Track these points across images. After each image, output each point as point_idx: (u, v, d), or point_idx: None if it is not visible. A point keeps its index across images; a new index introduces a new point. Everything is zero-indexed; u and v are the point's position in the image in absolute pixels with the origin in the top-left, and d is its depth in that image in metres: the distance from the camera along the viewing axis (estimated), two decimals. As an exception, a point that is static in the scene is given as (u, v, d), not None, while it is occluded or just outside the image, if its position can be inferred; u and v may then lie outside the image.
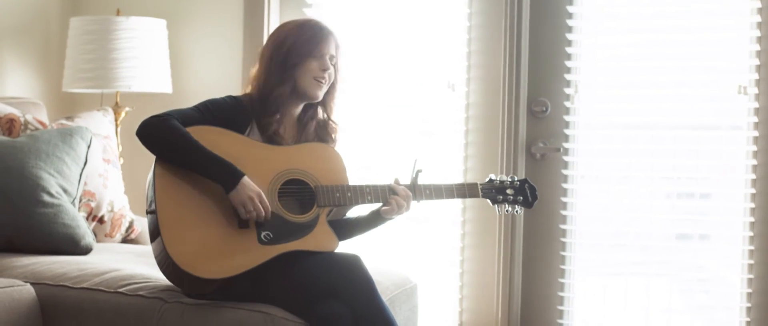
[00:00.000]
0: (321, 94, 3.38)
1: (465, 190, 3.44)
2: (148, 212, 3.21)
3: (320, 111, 3.46)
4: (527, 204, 3.48)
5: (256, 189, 3.14)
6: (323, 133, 3.46)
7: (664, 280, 4.34)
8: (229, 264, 3.10)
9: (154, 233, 3.14)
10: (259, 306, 3.11)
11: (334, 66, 3.39)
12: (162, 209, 3.12)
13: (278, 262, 3.13)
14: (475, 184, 3.45)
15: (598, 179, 4.34)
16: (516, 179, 3.48)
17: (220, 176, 3.14)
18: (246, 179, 3.14)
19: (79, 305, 3.30)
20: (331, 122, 3.46)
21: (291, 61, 3.31)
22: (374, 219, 3.40)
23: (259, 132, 3.34)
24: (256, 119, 3.34)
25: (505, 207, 3.47)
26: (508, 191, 3.46)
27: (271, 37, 3.41)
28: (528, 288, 4.40)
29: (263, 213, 3.14)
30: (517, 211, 3.48)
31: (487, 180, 3.47)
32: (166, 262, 3.13)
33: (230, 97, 3.37)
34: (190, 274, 3.07)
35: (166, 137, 3.15)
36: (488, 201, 3.47)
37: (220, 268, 3.10)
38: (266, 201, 3.15)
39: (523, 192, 3.48)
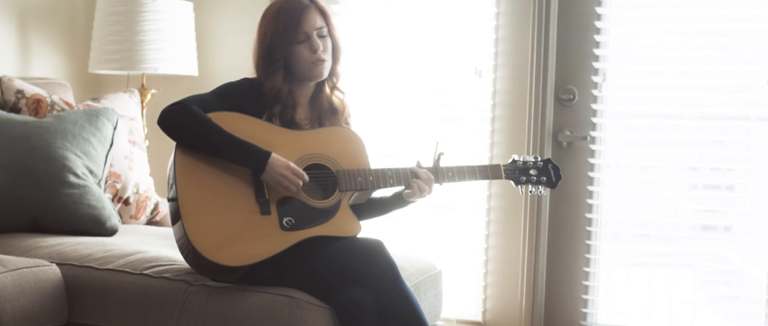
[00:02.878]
0: (326, 72, 3.35)
1: (488, 172, 3.41)
2: (169, 200, 3.20)
3: (327, 87, 3.43)
4: (551, 184, 3.46)
5: (284, 163, 3.13)
6: (334, 108, 3.43)
7: (688, 271, 4.32)
8: (252, 252, 3.09)
9: (176, 221, 3.14)
10: (285, 290, 3.11)
11: (329, 35, 3.34)
12: (183, 197, 3.11)
13: (301, 248, 3.13)
14: (498, 166, 3.42)
15: (624, 168, 4.32)
16: (539, 159, 3.46)
17: (247, 159, 3.13)
18: (273, 156, 3.13)
19: (105, 286, 3.31)
20: (337, 90, 3.43)
21: (277, 55, 3.29)
22: (396, 202, 3.38)
23: (274, 115, 3.32)
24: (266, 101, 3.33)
25: (528, 188, 3.44)
26: (532, 172, 3.44)
27: (257, 31, 3.36)
28: (552, 276, 4.39)
29: (300, 183, 3.14)
30: (541, 192, 3.46)
31: (510, 161, 3.45)
32: (188, 251, 3.13)
33: (247, 80, 3.36)
34: (213, 262, 3.07)
35: (189, 124, 3.14)
36: (511, 182, 3.44)
37: (242, 256, 3.09)
38: (299, 169, 3.15)
39: (547, 172, 3.45)
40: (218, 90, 3.31)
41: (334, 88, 3.42)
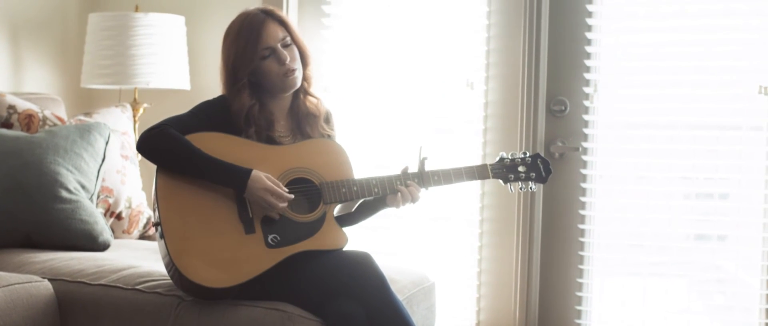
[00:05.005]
0: (299, 81, 3.33)
1: (474, 172, 3.37)
2: (153, 224, 3.20)
3: (301, 94, 3.40)
4: (541, 179, 3.42)
5: (264, 183, 3.12)
6: (311, 113, 3.40)
7: (682, 281, 4.32)
8: (239, 272, 3.09)
9: (162, 246, 3.14)
10: (276, 304, 3.12)
11: (293, 42, 3.31)
12: (167, 222, 3.11)
13: (289, 264, 3.13)
14: (485, 165, 3.39)
15: (616, 179, 4.31)
16: (528, 155, 3.42)
17: (228, 179, 3.13)
18: (254, 174, 3.12)
19: (97, 301, 3.31)
20: (310, 96, 3.41)
21: (241, 74, 3.26)
22: (378, 205, 3.37)
23: (253, 134, 3.31)
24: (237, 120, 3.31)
25: (518, 185, 3.41)
26: (520, 168, 3.40)
27: (221, 54, 3.35)
28: (546, 287, 4.39)
29: (284, 202, 3.13)
30: (531, 188, 3.42)
31: (497, 159, 3.42)
32: (176, 275, 3.13)
33: (224, 98, 3.34)
34: (200, 285, 3.07)
35: (168, 148, 3.14)
36: (500, 181, 3.41)
37: (229, 277, 3.09)
38: (278, 190, 3.13)
39: (536, 167, 3.41)
40: (195, 109, 3.30)
41: (306, 93, 3.40)
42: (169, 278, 3.31)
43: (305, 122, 3.40)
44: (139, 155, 4.50)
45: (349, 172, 3.31)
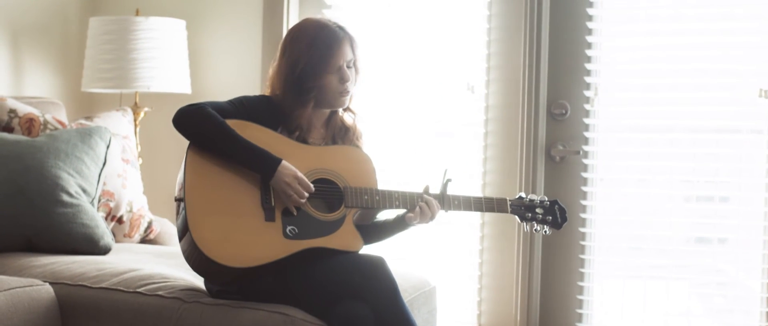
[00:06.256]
0: (347, 102, 3.39)
1: (494, 205, 3.42)
2: (176, 199, 3.21)
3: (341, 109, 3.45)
4: (556, 225, 3.46)
5: (293, 172, 3.16)
6: (346, 127, 3.45)
7: (683, 284, 4.32)
8: (252, 255, 3.11)
9: (182, 219, 3.15)
10: (279, 307, 3.11)
11: (355, 65, 3.37)
12: (190, 195, 3.13)
13: (302, 259, 3.14)
14: (504, 200, 3.43)
15: (617, 182, 4.32)
16: (546, 200, 3.47)
17: (258, 164, 3.17)
18: (284, 163, 3.16)
19: (98, 305, 3.30)
20: (349, 111, 3.45)
21: (307, 84, 3.30)
22: (398, 225, 3.39)
23: (288, 135, 3.34)
24: (285, 123, 3.35)
25: (533, 225, 3.45)
26: (538, 210, 3.45)
27: (285, 52, 3.36)
28: (547, 291, 4.39)
29: (306, 194, 3.17)
30: (545, 231, 3.46)
31: (517, 197, 3.46)
32: (190, 248, 3.14)
33: (264, 97, 3.38)
34: (211, 260, 3.08)
35: (204, 124, 3.17)
36: (516, 217, 3.45)
37: (242, 257, 3.10)
38: (305, 180, 3.17)
39: (553, 212, 3.46)
40: (235, 100, 3.34)
41: (346, 108, 3.45)
42: (170, 281, 3.32)
43: (339, 135, 3.45)
44: (141, 159, 4.53)
45: (373, 182, 3.34)
